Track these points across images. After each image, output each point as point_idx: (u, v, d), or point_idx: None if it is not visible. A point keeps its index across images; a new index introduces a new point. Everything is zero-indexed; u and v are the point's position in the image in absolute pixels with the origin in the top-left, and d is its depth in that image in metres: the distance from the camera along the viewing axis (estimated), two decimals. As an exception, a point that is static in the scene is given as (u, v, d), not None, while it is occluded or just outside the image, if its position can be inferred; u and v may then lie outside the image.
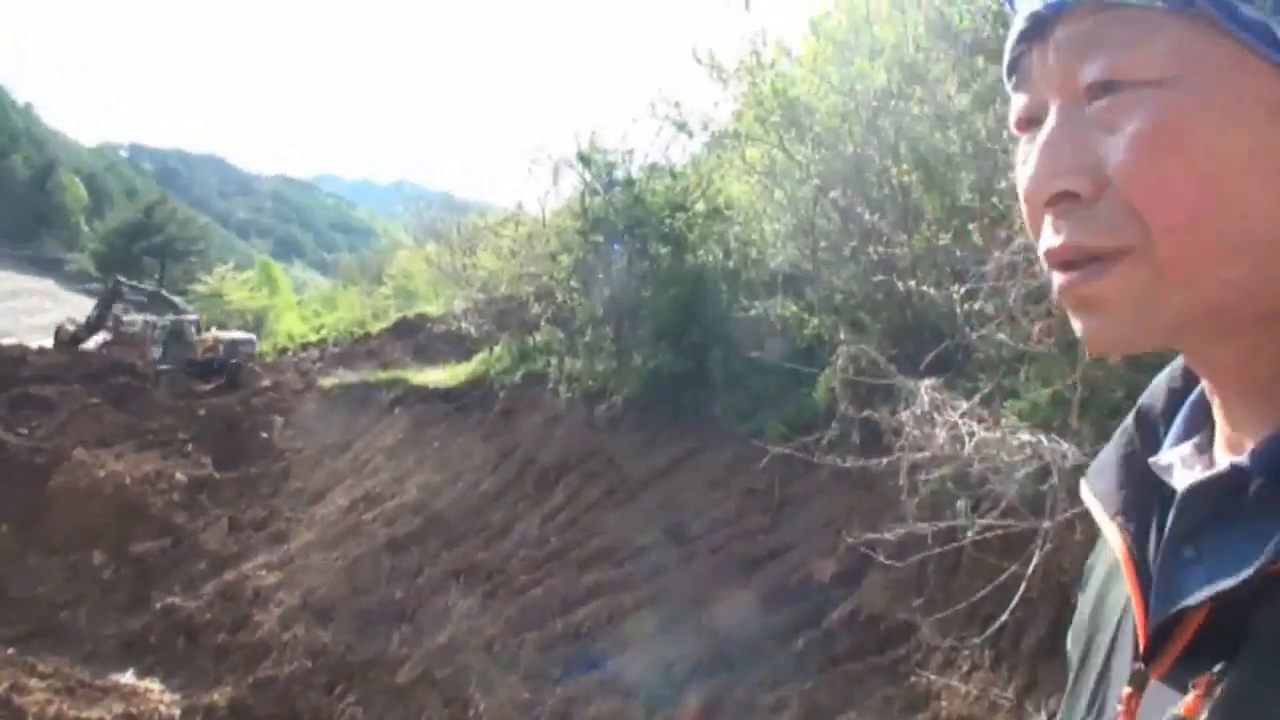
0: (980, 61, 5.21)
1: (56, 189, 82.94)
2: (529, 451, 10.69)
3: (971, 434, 3.91)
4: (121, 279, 26.73)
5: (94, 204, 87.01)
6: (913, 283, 5.01)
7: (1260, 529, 0.49)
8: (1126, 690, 0.57)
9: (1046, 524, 3.75)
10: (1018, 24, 0.55)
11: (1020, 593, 3.91)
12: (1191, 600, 0.51)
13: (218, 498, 14.44)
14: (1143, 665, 0.56)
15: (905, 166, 6.08)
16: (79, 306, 31.16)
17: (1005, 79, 0.58)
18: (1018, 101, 0.56)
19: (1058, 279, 0.54)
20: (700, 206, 10.20)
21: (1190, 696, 0.51)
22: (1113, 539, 0.60)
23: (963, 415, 4.02)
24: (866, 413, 4.77)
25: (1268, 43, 0.47)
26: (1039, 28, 0.53)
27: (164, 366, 20.87)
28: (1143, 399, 0.66)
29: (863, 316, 6.42)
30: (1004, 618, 4.09)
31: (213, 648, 10.62)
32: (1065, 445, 3.64)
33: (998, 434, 3.87)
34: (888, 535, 4.44)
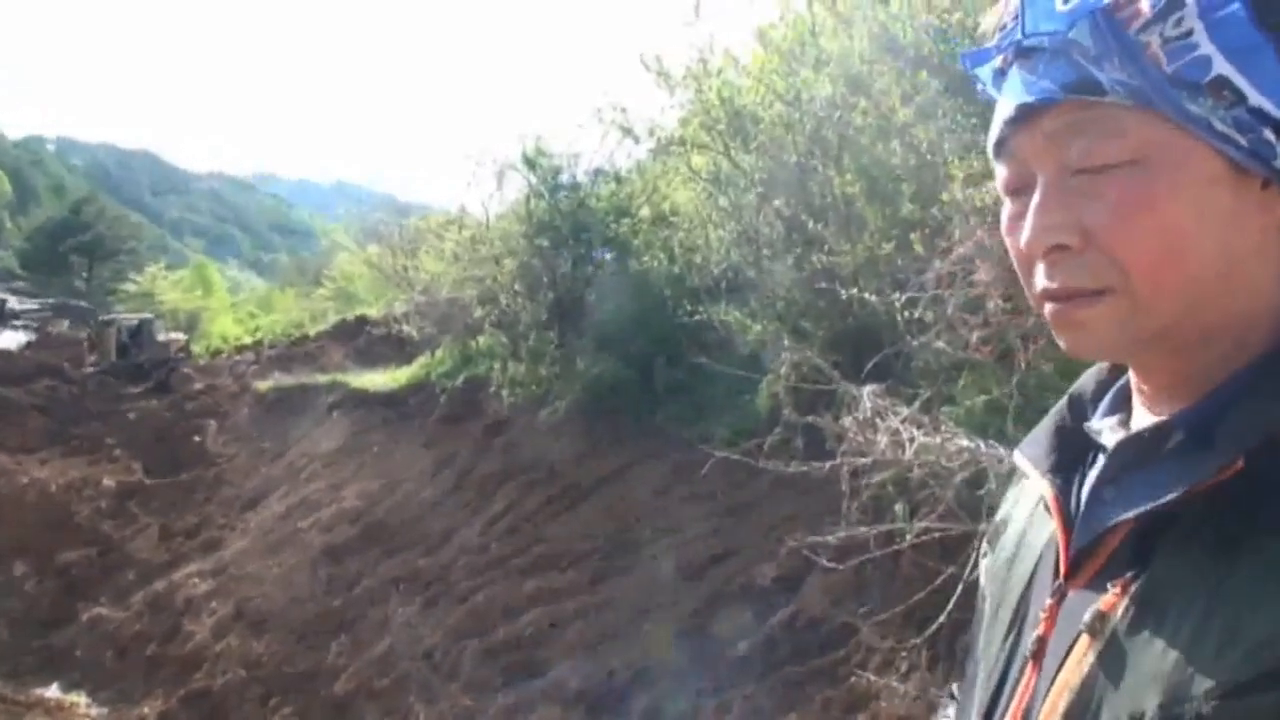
0: (923, 76, 5.32)
1: (-22, 184, 79.85)
2: (470, 457, 10.60)
3: (912, 439, 3.98)
4: None
5: (19, 200, 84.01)
6: (855, 291, 5.07)
7: (1172, 471, 0.63)
8: (1049, 601, 0.70)
9: (983, 527, 3.83)
10: (1005, 110, 0.68)
11: (957, 595, 3.99)
12: (1116, 519, 0.65)
13: (147, 505, 14.02)
14: (1063, 581, 0.69)
15: (848, 176, 6.18)
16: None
17: (990, 153, 0.71)
18: (1003, 170, 0.70)
19: (1050, 308, 0.68)
20: (645, 212, 10.24)
21: (1109, 594, 0.64)
22: (1044, 489, 0.75)
23: (903, 421, 4.09)
24: (809, 418, 4.82)
25: (1207, 131, 0.61)
26: (1026, 115, 0.66)
27: (91, 369, 20.26)
28: (1075, 386, 0.81)
29: (805, 323, 6.50)
30: (941, 619, 4.17)
31: (142, 660, 10.31)
32: (1001, 450, 3.72)
33: (937, 439, 3.94)
34: (829, 539, 4.49)
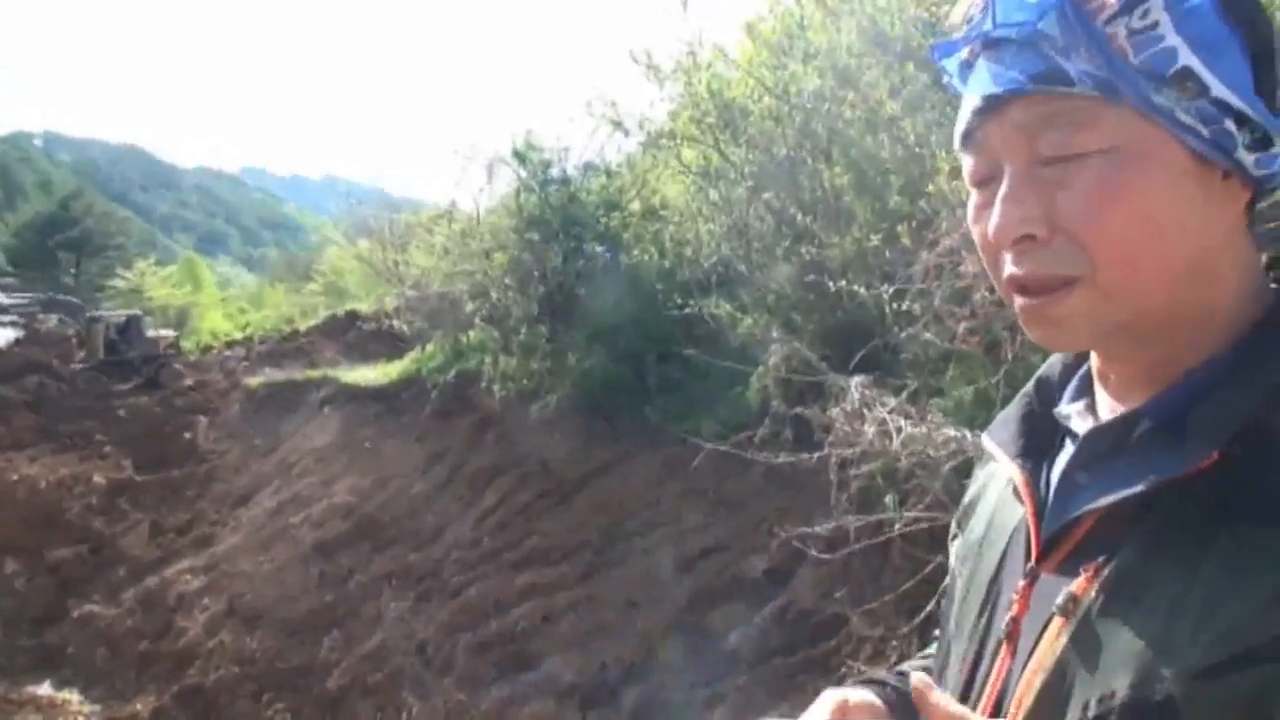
0: (910, 68, 5.33)
1: (-36, 180, 79.38)
2: (462, 452, 10.59)
3: (899, 430, 4.00)
4: None
5: (6, 196, 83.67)
6: (843, 283, 5.09)
7: (1142, 460, 0.64)
8: (1021, 583, 0.71)
9: (970, 517, 3.85)
10: (972, 102, 0.68)
11: (945, 583, 4.01)
12: (1091, 505, 0.66)
13: (138, 502, 13.98)
14: (1035, 565, 0.71)
15: (837, 169, 6.19)
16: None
17: (957, 144, 0.72)
18: (970, 162, 0.70)
19: (1019, 300, 0.68)
20: (635, 206, 10.23)
21: (1081, 578, 0.65)
22: (1014, 474, 0.76)
23: (891, 412, 4.12)
24: (798, 410, 4.84)
25: (1171, 122, 0.62)
26: (994, 106, 0.66)
27: (80, 365, 20.18)
28: (1041, 370, 0.83)
29: (795, 316, 6.52)
30: (930, 607, 4.20)
31: (135, 657, 10.29)
32: (988, 441, 3.75)
33: (924, 430, 3.97)
34: (819, 530, 4.52)
